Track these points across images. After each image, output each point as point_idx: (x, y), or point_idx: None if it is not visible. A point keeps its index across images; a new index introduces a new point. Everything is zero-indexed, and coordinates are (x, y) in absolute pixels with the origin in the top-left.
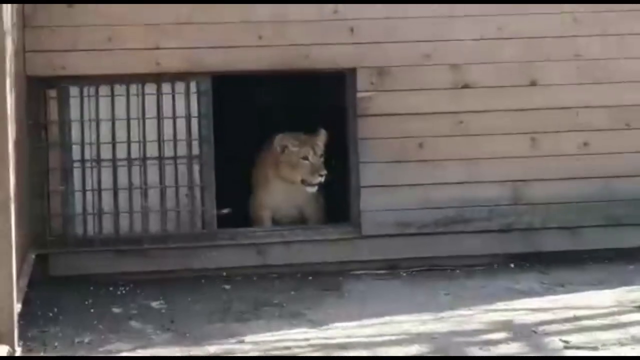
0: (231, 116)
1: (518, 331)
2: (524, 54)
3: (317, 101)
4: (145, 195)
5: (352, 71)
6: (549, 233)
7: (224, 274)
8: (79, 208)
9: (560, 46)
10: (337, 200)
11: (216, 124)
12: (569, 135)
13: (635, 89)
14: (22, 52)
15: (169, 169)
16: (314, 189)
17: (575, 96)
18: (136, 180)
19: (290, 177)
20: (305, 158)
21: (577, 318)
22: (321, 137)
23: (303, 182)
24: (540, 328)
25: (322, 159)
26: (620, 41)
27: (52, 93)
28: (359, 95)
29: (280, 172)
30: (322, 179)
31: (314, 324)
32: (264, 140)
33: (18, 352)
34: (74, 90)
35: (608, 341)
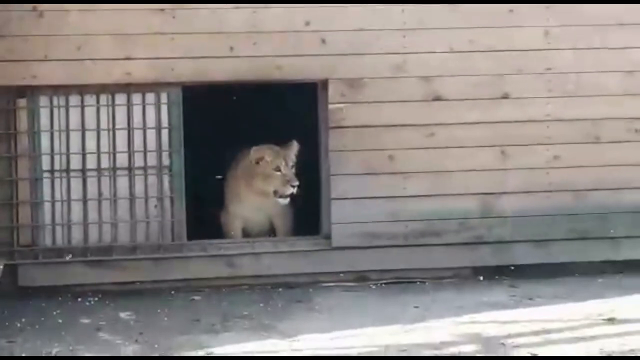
0: (201, 127)
1: (487, 344)
2: (496, 67)
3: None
4: (114, 205)
5: (324, 83)
6: (519, 246)
7: (193, 285)
8: (48, 218)
9: (532, 59)
10: (307, 212)
11: (187, 134)
12: (539, 149)
13: (606, 102)
14: None
15: (138, 180)
16: (286, 201)
17: (546, 109)
18: (106, 191)
19: (263, 188)
20: (278, 169)
21: (546, 331)
22: (293, 148)
23: (275, 193)
24: (509, 341)
25: (293, 170)
26: (591, 55)
27: (22, 103)
28: (331, 107)
29: (253, 183)
30: (294, 190)
31: (284, 335)
32: (235, 151)
33: None
34: (44, 100)
35: (576, 354)
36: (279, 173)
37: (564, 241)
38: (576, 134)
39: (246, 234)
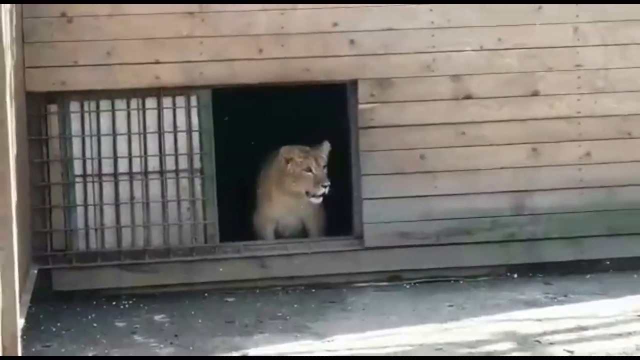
0: (233, 129)
1: (522, 341)
2: (525, 65)
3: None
4: (147, 209)
5: (353, 83)
6: (552, 243)
7: (227, 287)
8: (80, 223)
9: (561, 56)
10: (339, 212)
11: (218, 137)
12: (570, 145)
13: (637, 98)
14: (22, 67)
15: (170, 183)
16: (318, 200)
17: (577, 106)
18: (138, 194)
19: (294, 189)
20: (309, 170)
21: (581, 328)
22: (324, 149)
23: (307, 193)
24: (545, 338)
25: (325, 171)
26: (621, 50)
27: (53, 108)
28: (360, 107)
29: (285, 184)
30: (326, 190)
31: (318, 336)
32: (267, 153)
33: None
34: (74, 106)
35: (612, 350)
36: (309, 173)
37: (598, 238)
38: (607, 130)
39: (278, 235)
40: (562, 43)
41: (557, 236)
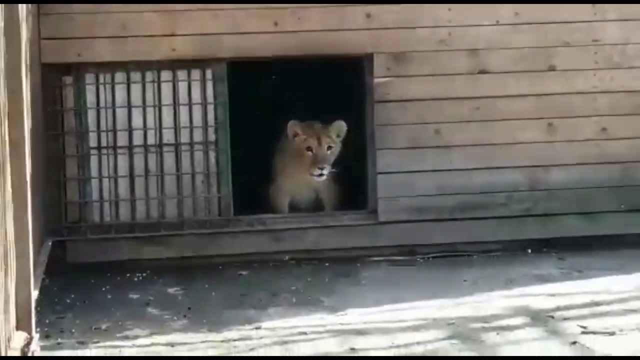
0: (250, 103)
1: (535, 316)
2: (542, 39)
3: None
4: (161, 181)
5: (369, 57)
6: (567, 219)
7: (240, 260)
8: (95, 195)
9: (578, 31)
10: (358, 186)
11: (234, 110)
12: (586, 121)
13: None
14: (37, 39)
15: (185, 156)
16: (321, 178)
17: (593, 81)
18: (152, 167)
19: (296, 164)
20: (309, 149)
21: (595, 303)
22: (334, 128)
23: (308, 171)
24: (558, 313)
25: (329, 151)
26: (638, 26)
27: (68, 80)
28: (376, 81)
29: (290, 158)
30: (323, 171)
31: (331, 309)
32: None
33: (35, 339)
34: (89, 77)
35: (626, 326)
36: (310, 153)
37: (613, 213)
38: (624, 106)
39: (294, 208)
40: (579, 18)
41: (572, 211)
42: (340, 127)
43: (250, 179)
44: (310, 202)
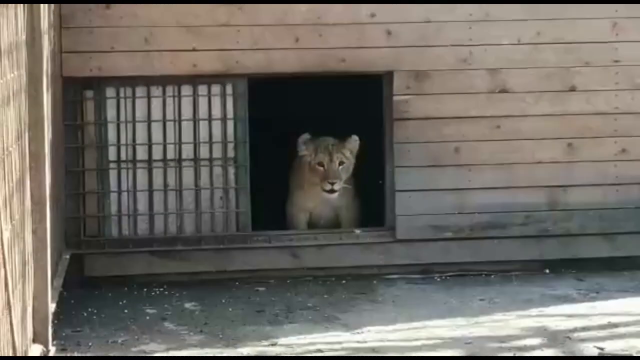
0: (271, 120)
1: (552, 337)
2: (563, 59)
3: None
4: (180, 196)
5: (389, 75)
6: (586, 239)
7: (258, 276)
8: (114, 209)
9: (600, 51)
10: (377, 204)
11: (254, 125)
12: (606, 141)
13: None
14: (59, 52)
15: (204, 171)
16: (332, 196)
17: (614, 102)
18: (171, 182)
19: (308, 180)
20: (321, 164)
21: (612, 325)
22: (348, 144)
23: (320, 187)
24: (575, 334)
25: (341, 167)
26: None
27: (89, 94)
28: (396, 98)
29: (304, 174)
30: (334, 187)
31: (347, 327)
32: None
33: (52, 352)
34: (110, 91)
35: None
36: (321, 168)
37: (632, 234)
38: None
39: (312, 225)
40: (600, 38)
41: (591, 232)
42: (353, 142)
43: (270, 195)
44: (329, 219)
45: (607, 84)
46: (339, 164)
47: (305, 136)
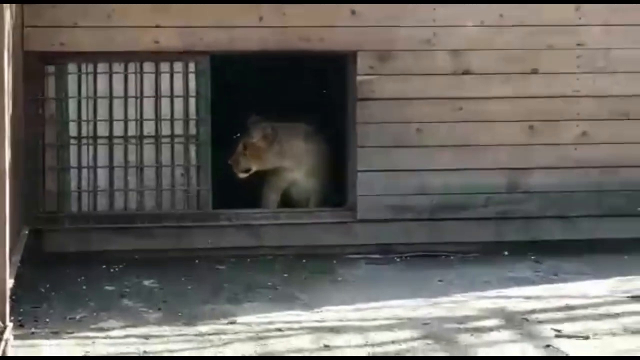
0: (232, 97)
1: (510, 319)
2: (526, 42)
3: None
4: (140, 173)
5: (353, 55)
6: (545, 222)
7: (218, 254)
8: (73, 185)
9: (562, 35)
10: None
11: (217, 105)
12: (567, 124)
13: (636, 79)
14: (20, 27)
15: (165, 148)
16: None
17: (576, 85)
18: (132, 159)
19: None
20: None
21: (569, 307)
22: (256, 131)
23: None
24: (533, 316)
25: (246, 152)
26: (622, 31)
27: (50, 69)
28: (359, 79)
29: None
30: (237, 172)
31: (307, 306)
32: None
33: (9, 328)
34: (72, 67)
35: (600, 331)
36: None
37: (591, 217)
38: (605, 111)
39: (286, 204)
40: (563, 21)
41: (551, 215)
42: (262, 129)
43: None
44: (299, 200)
45: (569, 67)
46: (243, 149)
47: (256, 118)
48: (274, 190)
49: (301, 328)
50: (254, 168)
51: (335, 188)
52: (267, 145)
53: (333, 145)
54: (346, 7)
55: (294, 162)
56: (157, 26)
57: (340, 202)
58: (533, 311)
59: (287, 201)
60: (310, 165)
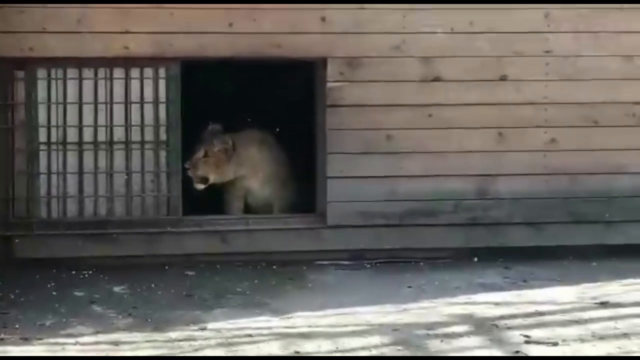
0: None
1: (479, 325)
2: (495, 49)
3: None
4: (110, 179)
5: (323, 61)
6: (514, 228)
7: (188, 260)
8: (43, 191)
9: (531, 42)
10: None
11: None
12: (536, 131)
13: (604, 86)
14: None
15: (135, 154)
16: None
17: (544, 92)
18: (102, 164)
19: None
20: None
21: (538, 313)
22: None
23: None
24: (502, 322)
25: (204, 160)
26: (591, 38)
27: (20, 74)
28: (329, 85)
29: None
30: (194, 178)
31: (277, 312)
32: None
33: None
34: (41, 72)
35: (569, 337)
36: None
37: (560, 224)
38: (574, 118)
39: (249, 211)
40: (532, 28)
41: (520, 221)
42: (222, 140)
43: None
44: (261, 206)
45: (538, 74)
46: (204, 155)
47: (215, 127)
48: (236, 197)
49: (271, 334)
50: (212, 179)
51: (302, 194)
52: (227, 158)
53: (296, 150)
54: (316, 14)
55: (249, 170)
56: (127, 32)
57: (310, 208)
58: (502, 317)
59: (247, 209)
60: (265, 173)
